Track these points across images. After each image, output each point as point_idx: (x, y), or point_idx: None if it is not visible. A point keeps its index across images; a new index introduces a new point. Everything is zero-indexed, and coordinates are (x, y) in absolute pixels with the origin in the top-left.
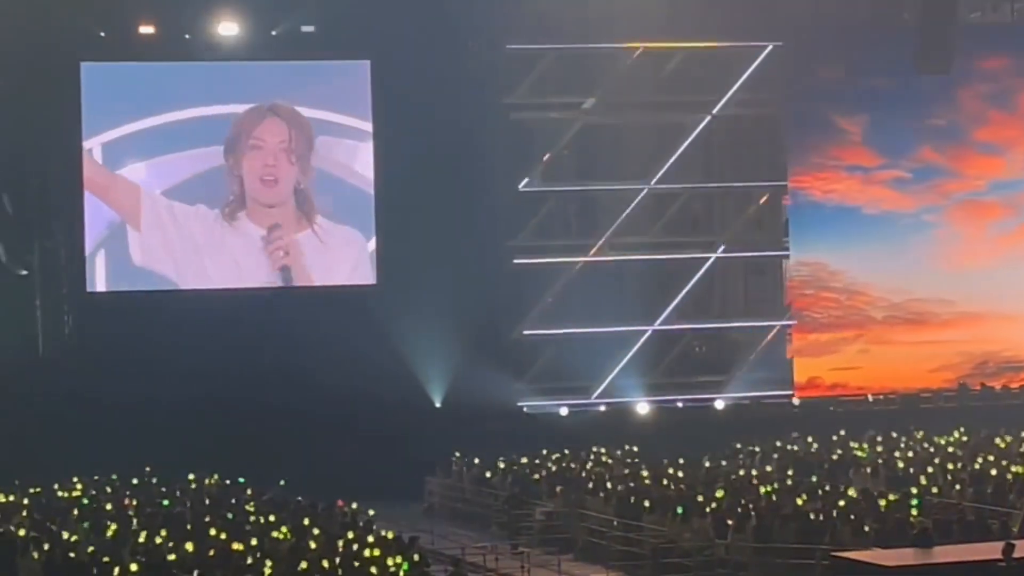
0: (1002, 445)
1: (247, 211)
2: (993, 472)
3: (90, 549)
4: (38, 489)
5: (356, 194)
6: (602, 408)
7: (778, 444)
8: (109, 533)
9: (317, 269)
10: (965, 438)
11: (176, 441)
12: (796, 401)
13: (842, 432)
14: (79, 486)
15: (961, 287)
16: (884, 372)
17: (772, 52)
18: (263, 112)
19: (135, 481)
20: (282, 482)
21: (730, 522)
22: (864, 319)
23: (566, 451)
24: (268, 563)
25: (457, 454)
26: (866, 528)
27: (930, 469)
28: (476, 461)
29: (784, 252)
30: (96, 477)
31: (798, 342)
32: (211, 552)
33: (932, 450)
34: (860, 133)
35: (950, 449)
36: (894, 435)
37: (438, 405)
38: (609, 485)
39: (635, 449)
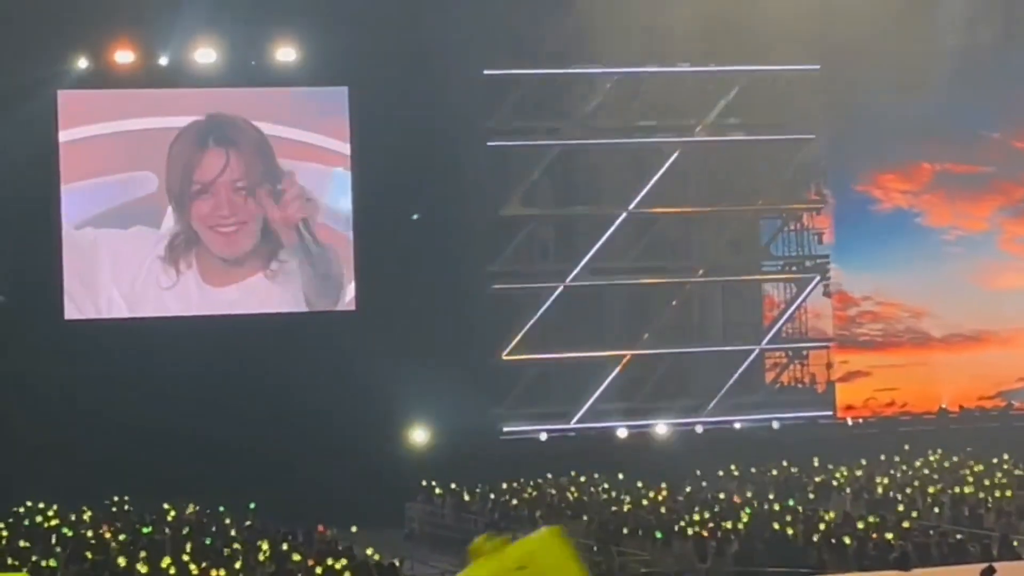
0: (978, 469)
1: (199, 266)
2: (967, 491)
3: None
4: (12, 519)
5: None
6: (573, 433)
7: (754, 470)
8: (88, 561)
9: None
10: (942, 461)
11: (152, 469)
12: (776, 425)
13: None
14: (55, 513)
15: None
16: (935, 392)
17: (806, 74)
18: (200, 137)
19: (113, 509)
20: (252, 505)
21: (712, 544)
22: (921, 337)
23: (547, 476)
24: None
25: (438, 490)
26: (846, 551)
27: (908, 491)
28: (455, 487)
29: (806, 275)
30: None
31: (847, 361)
32: None
33: (911, 473)
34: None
35: (928, 471)
36: (882, 458)
37: (418, 431)
38: (589, 510)
39: (620, 475)
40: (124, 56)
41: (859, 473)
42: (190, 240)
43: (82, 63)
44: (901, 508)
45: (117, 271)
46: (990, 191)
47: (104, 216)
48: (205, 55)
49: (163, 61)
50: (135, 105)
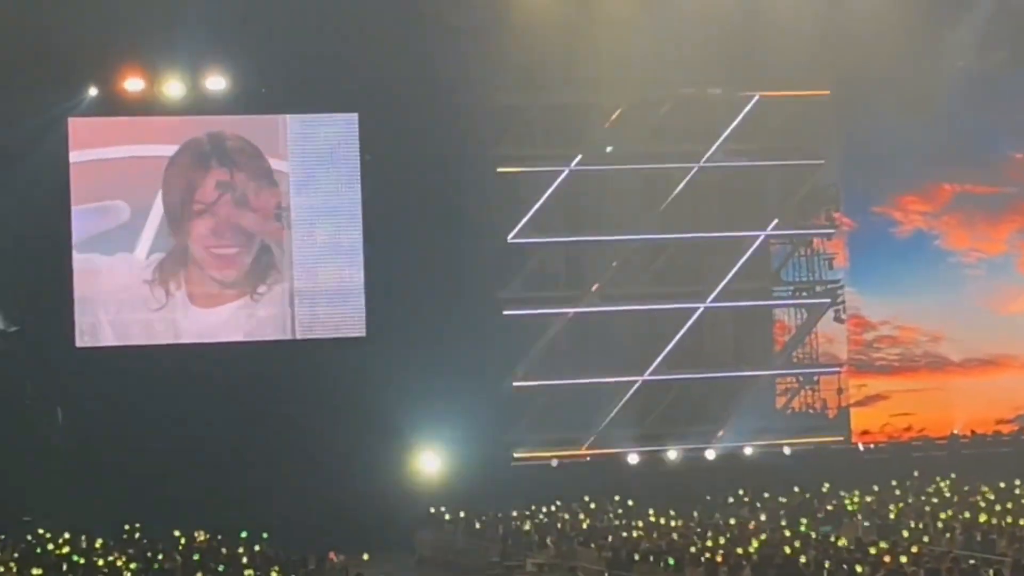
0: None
1: (190, 289)
2: (980, 517)
3: None
4: (24, 546)
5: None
6: (587, 458)
7: (766, 495)
8: None
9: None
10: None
11: (164, 496)
12: (787, 451)
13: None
14: (67, 540)
15: None
16: (952, 417)
17: (815, 100)
18: (201, 157)
19: (125, 536)
20: (264, 535)
21: (724, 570)
22: (939, 361)
23: (557, 503)
24: None
25: (448, 516)
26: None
27: (921, 516)
28: (465, 513)
29: (820, 300)
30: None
31: (865, 384)
32: None
33: (923, 498)
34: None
35: (939, 498)
36: (893, 483)
37: (429, 457)
38: (601, 536)
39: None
40: (134, 84)
41: (870, 499)
42: (183, 261)
43: (92, 91)
44: (911, 533)
45: (105, 295)
46: (1010, 212)
47: (93, 241)
48: (215, 82)
49: (173, 88)
50: (143, 132)
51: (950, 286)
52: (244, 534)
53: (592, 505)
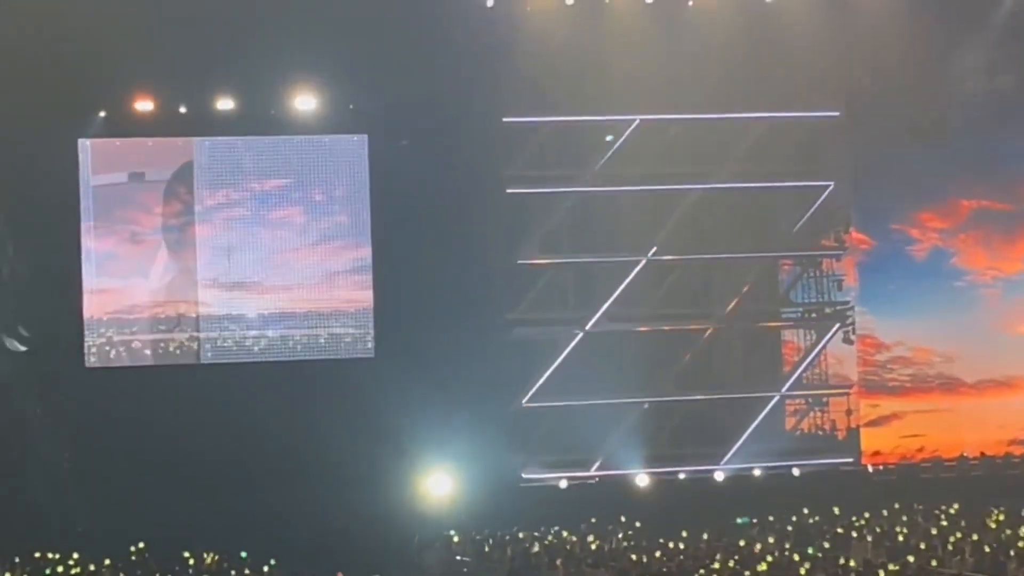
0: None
1: (199, 308)
2: (989, 539)
3: None
4: (32, 567)
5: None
6: (596, 479)
7: (771, 518)
8: None
9: None
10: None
11: (170, 517)
12: (796, 472)
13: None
14: (76, 562)
15: None
16: (965, 438)
17: (826, 120)
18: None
19: (133, 558)
20: (272, 561)
21: None
22: (952, 382)
23: (566, 524)
24: None
25: (456, 537)
26: None
27: (930, 538)
28: (474, 534)
29: (829, 318)
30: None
31: (878, 405)
32: None
33: (932, 520)
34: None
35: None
36: (896, 506)
37: (438, 478)
38: (609, 559)
39: (638, 524)
40: (144, 105)
41: (879, 521)
42: (192, 282)
43: (102, 113)
44: (921, 556)
45: (116, 316)
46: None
47: (105, 262)
48: (224, 103)
49: (183, 110)
50: (154, 153)
51: (965, 306)
52: (244, 554)
53: (600, 527)
